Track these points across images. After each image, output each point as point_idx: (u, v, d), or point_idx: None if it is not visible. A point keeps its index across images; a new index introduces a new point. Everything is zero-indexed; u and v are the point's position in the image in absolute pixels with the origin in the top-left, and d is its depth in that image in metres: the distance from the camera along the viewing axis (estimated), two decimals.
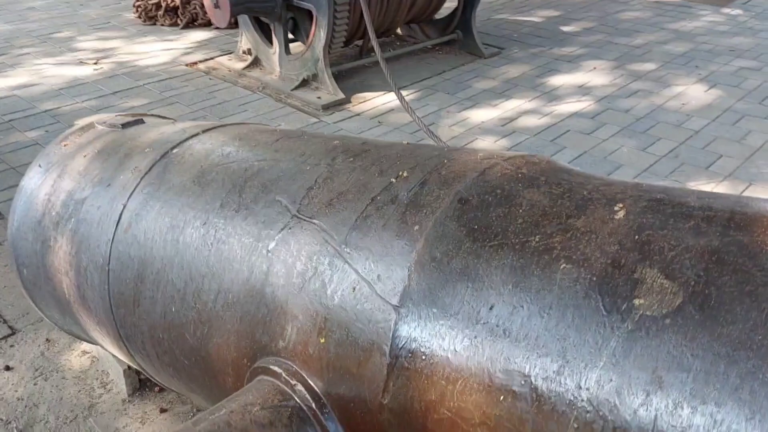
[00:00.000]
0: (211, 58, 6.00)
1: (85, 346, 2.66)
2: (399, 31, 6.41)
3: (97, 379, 2.52)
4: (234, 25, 6.15)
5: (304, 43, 5.42)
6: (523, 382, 0.87)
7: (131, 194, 1.68)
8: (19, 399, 2.42)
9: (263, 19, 5.49)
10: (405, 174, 1.20)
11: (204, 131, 1.84)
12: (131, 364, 1.96)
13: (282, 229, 1.26)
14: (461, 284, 0.98)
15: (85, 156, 2.05)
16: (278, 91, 5.23)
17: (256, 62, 5.71)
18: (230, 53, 6.08)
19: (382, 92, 5.14)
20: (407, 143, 1.41)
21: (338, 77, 5.24)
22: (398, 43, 6.36)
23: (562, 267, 0.90)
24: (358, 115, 4.82)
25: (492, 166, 1.14)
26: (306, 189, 1.30)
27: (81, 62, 5.87)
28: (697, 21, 6.89)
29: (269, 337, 1.21)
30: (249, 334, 1.25)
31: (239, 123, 1.98)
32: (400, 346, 1.00)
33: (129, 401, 2.41)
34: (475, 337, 0.94)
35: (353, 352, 1.06)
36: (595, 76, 5.46)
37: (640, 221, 0.91)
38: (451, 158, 1.22)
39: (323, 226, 1.20)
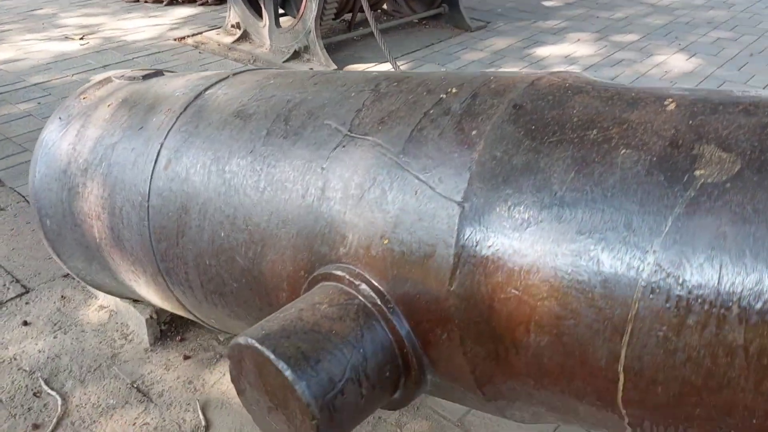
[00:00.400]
0: (199, 33, 5.99)
1: (102, 300, 2.70)
2: (385, 6, 6.45)
3: (117, 331, 2.56)
4: (223, 1, 6.14)
5: (293, 16, 5.44)
6: (591, 254, 0.96)
7: (167, 134, 1.73)
8: (40, 351, 2.46)
9: None
10: (454, 90, 1.28)
11: (234, 74, 1.89)
12: (164, 304, 2.01)
13: (335, 148, 1.33)
14: (524, 178, 1.06)
15: (109, 105, 2.09)
16: (269, 64, 5.26)
17: (245, 36, 5.72)
18: (218, 28, 6.07)
19: (374, 63, 5.20)
20: (446, 71, 1.48)
21: (329, 50, 5.28)
22: (385, 18, 6.41)
23: (622, 153, 0.99)
24: None
25: (539, 77, 1.22)
26: (355, 111, 1.37)
27: (66, 38, 5.81)
28: None
29: (329, 246, 1.28)
30: (307, 246, 1.32)
31: (267, 68, 2.03)
32: (466, 236, 1.08)
33: (151, 350, 2.47)
34: (541, 221, 1.02)
35: (418, 248, 1.13)
36: (579, 47, 5.58)
37: (691, 110, 1.00)
38: (496, 76, 1.29)
39: (378, 141, 1.27)
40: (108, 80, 2.34)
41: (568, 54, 5.41)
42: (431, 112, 1.25)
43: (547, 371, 1.06)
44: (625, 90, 1.14)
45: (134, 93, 2.07)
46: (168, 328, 2.55)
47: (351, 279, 1.22)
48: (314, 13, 5.00)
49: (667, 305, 0.89)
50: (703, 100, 1.03)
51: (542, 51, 5.48)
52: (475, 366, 1.14)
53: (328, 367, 1.11)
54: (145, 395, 2.26)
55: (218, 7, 6.79)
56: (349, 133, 1.33)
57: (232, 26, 5.90)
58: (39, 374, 2.35)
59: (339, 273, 1.24)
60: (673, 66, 5.15)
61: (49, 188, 2.14)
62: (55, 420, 2.15)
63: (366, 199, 1.23)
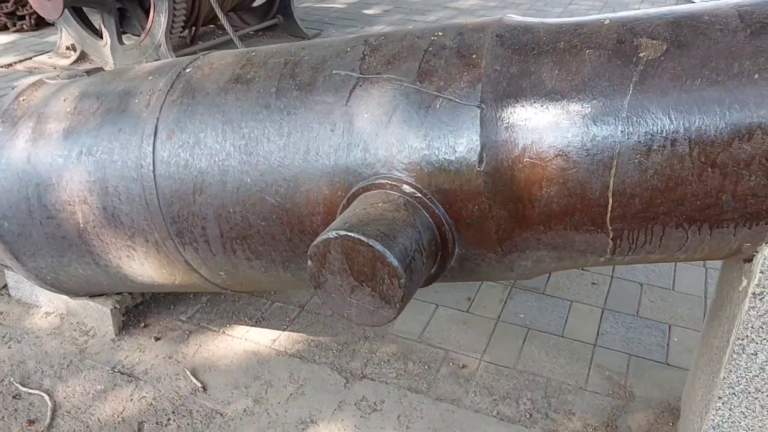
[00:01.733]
0: (29, 58, 5.73)
1: (46, 307, 2.70)
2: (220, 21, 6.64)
3: (75, 330, 2.60)
4: (39, 25, 5.93)
5: (134, 33, 5.47)
6: (582, 119, 1.42)
7: (161, 109, 1.93)
8: (2, 361, 2.43)
9: (87, 11, 5.42)
10: (441, 33, 1.69)
11: (204, 55, 2.13)
12: (158, 273, 2.16)
13: (353, 89, 1.67)
14: (522, 80, 1.50)
15: (65, 99, 2.20)
16: None
17: (83, 56, 5.60)
18: (47, 52, 5.85)
19: None
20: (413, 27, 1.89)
21: None
22: (220, 32, 6.60)
23: (587, 52, 1.47)
24: None
25: (500, 19, 1.68)
26: (359, 60, 1.73)
27: None
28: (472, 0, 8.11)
29: (366, 165, 1.62)
30: (343, 170, 1.64)
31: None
32: (487, 128, 1.49)
33: (119, 339, 2.55)
34: (542, 107, 1.47)
35: (448, 147, 1.53)
36: None
37: (621, 22, 1.52)
38: (464, 22, 1.73)
39: (392, 76, 1.64)
40: (41, 82, 2.42)
41: None
42: (430, 49, 1.65)
43: (555, 214, 1.51)
44: (565, 20, 1.64)
45: (91, 85, 2.20)
46: (128, 318, 2.64)
47: (392, 183, 1.58)
48: (163, 27, 5.09)
49: (638, 140, 1.39)
50: (625, 17, 1.55)
51: None
52: (499, 226, 1.55)
53: (402, 241, 1.46)
54: (130, 375, 2.37)
55: (37, 32, 6.51)
56: (361, 75, 1.68)
57: (67, 48, 5.73)
58: (11, 379, 2.33)
59: (381, 182, 1.59)
60: None
61: (7, 189, 2.18)
62: (49, 413, 2.19)
63: (394, 120, 1.59)
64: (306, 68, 1.78)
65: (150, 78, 2.07)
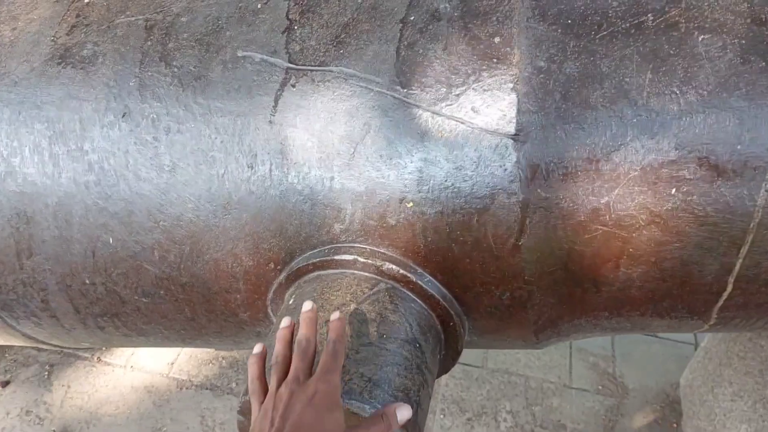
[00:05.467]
0: None
1: None
2: None
3: None
4: None
5: None
6: (699, 162, 0.83)
7: None
8: None
9: None
10: None
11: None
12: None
13: (280, 91, 0.95)
14: (588, 89, 0.85)
15: None
16: None
17: None
18: None
19: None
20: None
21: None
22: None
23: (700, 39, 0.84)
24: None
25: None
26: (282, 32, 0.98)
27: None
28: None
29: (314, 226, 0.95)
30: (275, 232, 0.97)
31: None
32: (530, 177, 0.86)
33: None
34: (625, 136, 0.84)
35: (464, 204, 0.88)
36: None
37: None
38: None
39: (349, 71, 0.92)
40: None
41: None
42: (411, 19, 0.93)
43: (631, 300, 0.95)
44: None
45: None
46: None
47: (365, 261, 0.93)
48: None
49: None
50: None
51: None
52: (540, 316, 0.98)
53: (401, 385, 0.85)
54: None
55: None
56: (292, 65, 0.95)
57: None
58: None
59: (345, 257, 0.94)
60: None
61: None
62: None
63: (364, 153, 0.91)
64: (187, 41, 1.01)
65: None
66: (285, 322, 0.79)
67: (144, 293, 1.09)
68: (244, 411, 0.85)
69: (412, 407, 0.84)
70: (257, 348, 0.81)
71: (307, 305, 0.79)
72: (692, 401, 1.76)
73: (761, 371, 1.43)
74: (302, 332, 0.77)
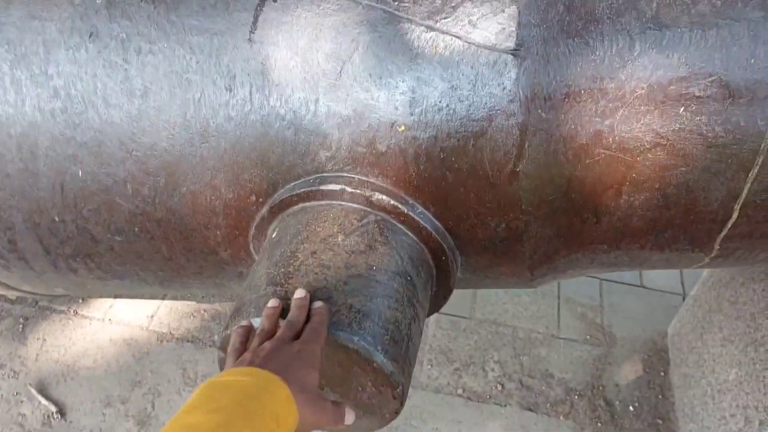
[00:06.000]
0: None
1: None
2: None
3: None
4: None
5: None
6: (710, 79, 0.77)
7: None
8: None
9: None
10: None
11: None
12: None
13: (260, 5, 0.87)
14: (591, 1, 0.79)
15: None
16: None
17: None
18: None
19: None
20: None
21: None
22: None
23: None
24: None
25: None
26: None
27: None
28: None
29: (298, 154, 0.89)
30: (256, 161, 0.91)
31: None
32: (530, 97, 0.80)
33: None
34: (634, 55, 0.79)
35: (459, 127, 0.83)
36: None
37: None
38: None
39: None
40: None
41: None
42: None
43: (632, 231, 0.91)
44: None
45: None
46: None
47: (354, 191, 0.88)
48: None
49: None
50: None
51: None
52: (536, 249, 0.93)
53: (392, 317, 0.81)
54: None
55: None
56: None
57: None
58: None
59: (331, 187, 0.88)
60: None
61: None
62: None
63: (349, 73, 0.85)
64: None
65: None
66: (273, 302, 0.75)
67: (117, 230, 1.03)
68: (225, 346, 0.80)
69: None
70: (243, 322, 0.77)
71: (300, 293, 0.75)
72: (680, 349, 1.75)
73: (753, 315, 1.41)
74: (293, 314, 0.73)
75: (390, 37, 0.83)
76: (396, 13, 0.83)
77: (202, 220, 0.98)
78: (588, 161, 0.83)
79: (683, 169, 0.82)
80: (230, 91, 0.88)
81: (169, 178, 0.95)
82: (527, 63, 0.79)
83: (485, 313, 1.96)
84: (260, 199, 0.93)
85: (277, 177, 0.91)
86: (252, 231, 0.97)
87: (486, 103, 0.81)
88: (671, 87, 0.78)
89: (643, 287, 2.07)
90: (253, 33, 0.87)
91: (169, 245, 1.04)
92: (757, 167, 0.80)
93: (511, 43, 0.79)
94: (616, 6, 0.79)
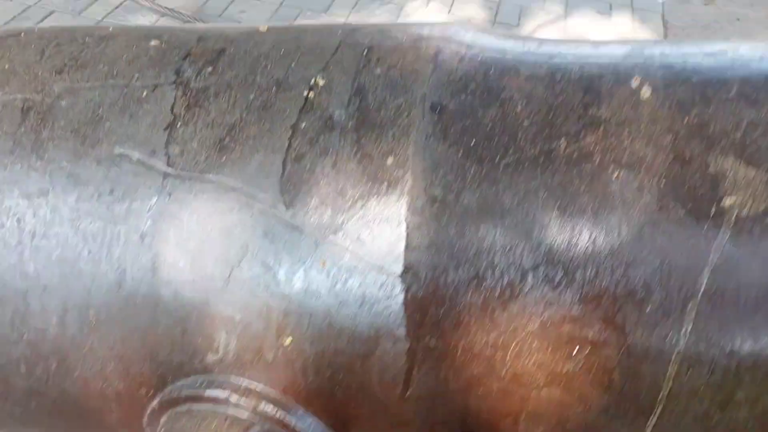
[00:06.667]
0: None
1: None
2: None
3: None
4: None
5: None
6: (604, 321, 0.72)
7: None
8: None
9: None
10: (321, 81, 0.86)
11: None
12: None
13: (156, 198, 0.85)
14: (485, 224, 0.75)
15: None
16: None
17: None
18: None
19: None
20: (262, 27, 1.00)
21: None
22: None
23: (614, 176, 0.73)
24: None
25: (438, 50, 0.87)
26: (163, 128, 0.88)
27: None
28: None
29: (186, 354, 0.85)
30: (145, 356, 0.87)
31: None
32: (419, 323, 0.75)
33: None
34: (525, 286, 0.74)
35: (347, 344, 0.78)
36: None
37: (675, 98, 0.77)
38: (369, 45, 0.90)
39: (230, 182, 0.82)
40: None
41: None
42: (303, 126, 0.83)
43: None
44: (561, 59, 0.85)
45: None
46: None
47: (240, 398, 0.83)
48: None
49: (708, 379, 0.71)
50: (675, 77, 0.79)
51: None
52: None
53: None
54: None
55: None
56: (172, 170, 0.85)
57: None
58: None
59: (217, 393, 0.83)
60: None
61: None
62: None
63: (239, 279, 0.81)
64: (63, 129, 0.91)
65: None
66: None
67: (15, 403, 0.99)
68: None
69: None
70: None
71: None
72: None
73: None
74: None
75: (280, 245, 0.80)
76: (288, 220, 0.80)
77: (96, 404, 0.94)
78: (481, 391, 0.77)
79: (581, 408, 0.76)
80: (120, 286, 0.85)
81: (60, 363, 0.91)
82: (414, 288, 0.75)
83: None
84: (150, 392, 0.89)
85: (167, 373, 0.87)
86: (145, 419, 0.93)
87: (373, 324, 0.77)
88: (564, 326, 0.72)
89: None
90: (146, 227, 0.84)
91: (66, 421, 1.00)
92: (656, 417, 0.73)
93: (398, 267, 0.75)
94: (510, 235, 0.74)
